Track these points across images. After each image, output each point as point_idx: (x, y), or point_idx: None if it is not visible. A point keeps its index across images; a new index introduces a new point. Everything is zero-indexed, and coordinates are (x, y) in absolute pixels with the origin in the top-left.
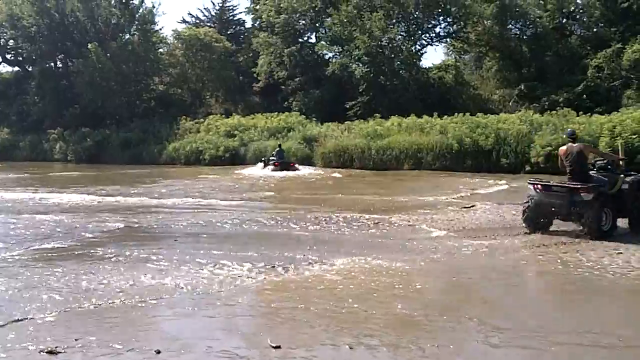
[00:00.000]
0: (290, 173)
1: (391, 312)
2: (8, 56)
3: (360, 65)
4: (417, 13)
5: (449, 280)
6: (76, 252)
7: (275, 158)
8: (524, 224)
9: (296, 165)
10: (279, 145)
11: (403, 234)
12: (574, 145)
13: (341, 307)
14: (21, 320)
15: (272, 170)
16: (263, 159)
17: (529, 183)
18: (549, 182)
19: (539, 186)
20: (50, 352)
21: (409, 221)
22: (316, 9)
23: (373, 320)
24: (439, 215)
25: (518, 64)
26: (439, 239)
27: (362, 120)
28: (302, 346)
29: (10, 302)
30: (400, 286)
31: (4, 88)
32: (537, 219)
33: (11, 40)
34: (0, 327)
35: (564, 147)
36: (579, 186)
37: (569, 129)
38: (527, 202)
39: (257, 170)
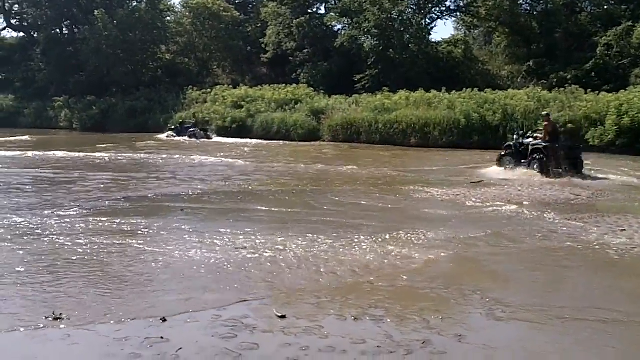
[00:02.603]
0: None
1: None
2: (13, 21)
3: (370, 38)
4: None
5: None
6: None
7: (193, 127)
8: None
9: (210, 134)
10: (193, 113)
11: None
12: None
13: None
14: None
15: (190, 137)
16: (173, 127)
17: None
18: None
19: None
20: None
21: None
22: None
23: None
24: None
25: (527, 40)
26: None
27: (370, 93)
28: None
29: None
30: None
31: (9, 54)
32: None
33: (16, 5)
34: None
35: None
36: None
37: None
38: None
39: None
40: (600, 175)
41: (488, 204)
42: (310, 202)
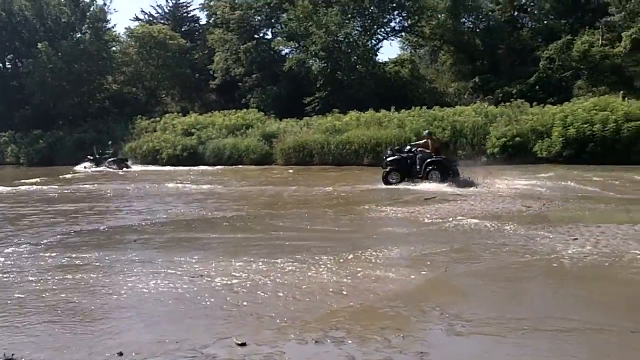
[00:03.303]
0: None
1: None
2: None
3: (317, 60)
4: (372, 8)
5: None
6: None
7: (108, 156)
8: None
9: (129, 163)
10: (109, 142)
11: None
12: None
13: None
14: None
15: (114, 169)
16: (89, 157)
17: None
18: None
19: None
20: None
21: (412, 212)
22: (271, 4)
23: None
24: (428, 207)
25: (472, 57)
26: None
27: (320, 115)
28: None
29: None
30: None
31: None
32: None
33: None
34: None
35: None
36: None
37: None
38: None
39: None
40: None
41: (449, 219)
42: (265, 227)
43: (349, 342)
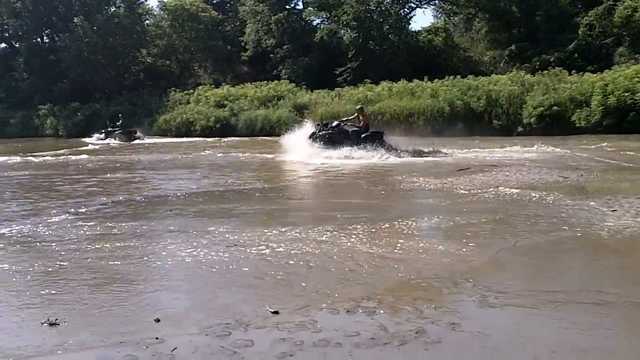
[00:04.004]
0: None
1: None
2: None
3: (349, 30)
4: None
5: None
6: None
7: (118, 128)
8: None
9: (138, 135)
10: (119, 115)
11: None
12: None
13: None
14: None
15: (121, 141)
16: (102, 130)
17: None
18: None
19: None
20: None
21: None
22: None
23: None
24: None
25: (508, 24)
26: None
27: (352, 86)
28: None
29: None
30: None
31: None
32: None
33: None
34: None
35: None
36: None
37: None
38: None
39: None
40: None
41: (485, 190)
42: (298, 197)
43: (381, 312)
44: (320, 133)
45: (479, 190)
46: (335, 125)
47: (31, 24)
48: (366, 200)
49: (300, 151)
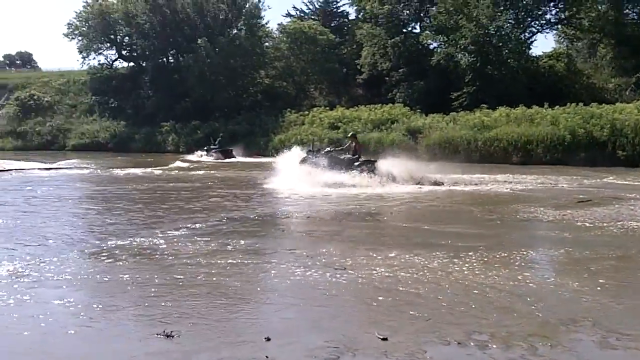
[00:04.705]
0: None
1: None
2: (124, 52)
3: (466, 54)
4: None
5: None
6: None
7: (216, 146)
8: None
9: (234, 153)
10: (221, 135)
11: None
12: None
13: None
14: None
15: (215, 159)
16: (205, 147)
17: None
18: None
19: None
20: None
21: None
22: None
23: None
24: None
25: (635, 50)
26: None
27: (468, 111)
28: None
29: None
30: None
31: (121, 83)
32: None
33: (126, 37)
34: None
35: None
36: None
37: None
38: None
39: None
40: None
41: (608, 223)
42: (408, 222)
43: (493, 346)
44: (313, 159)
45: (603, 224)
46: (326, 152)
47: (158, 45)
48: (479, 229)
49: (291, 176)
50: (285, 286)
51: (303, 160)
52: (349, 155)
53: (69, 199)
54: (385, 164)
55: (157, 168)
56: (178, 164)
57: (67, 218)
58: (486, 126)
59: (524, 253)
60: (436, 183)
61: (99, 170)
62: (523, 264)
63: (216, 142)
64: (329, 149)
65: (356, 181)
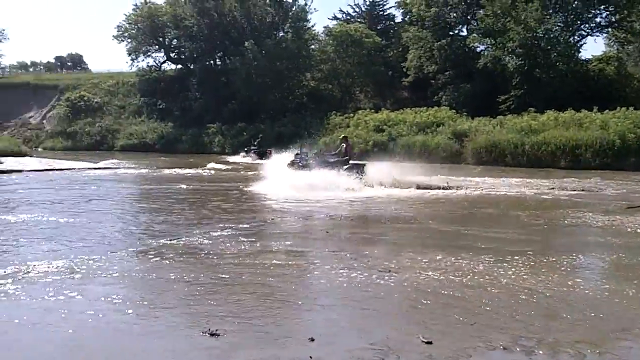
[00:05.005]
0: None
1: None
2: (172, 54)
3: (514, 57)
4: (575, 2)
5: None
6: None
7: (255, 147)
8: None
9: (271, 154)
10: (260, 136)
11: None
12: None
13: None
14: None
15: (252, 160)
16: (245, 148)
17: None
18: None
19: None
20: None
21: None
22: (468, 1)
23: None
24: None
25: None
26: None
27: (515, 114)
28: None
29: None
30: None
31: (169, 85)
32: None
33: (175, 40)
34: None
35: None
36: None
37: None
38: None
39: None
40: None
41: None
42: (452, 225)
43: (540, 352)
44: (301, 162)
45: None
46: (315, 154)
47: (205, 47)
48: (526, 234)
49: (280, 178)
50: (329, 287)
51: (291, 163)
52: (337, 157)
53: (115, 198)
54: (374, 168)
55: (192, 169)
56: (212, 165)
57: (114, 216)
58: (534, 130)
59: (573, 258)
60: (444, 187)
61: (144, 170)
62: (571, 269)
63: (255, 143)
64: (316, 151)
65: (343, 183)
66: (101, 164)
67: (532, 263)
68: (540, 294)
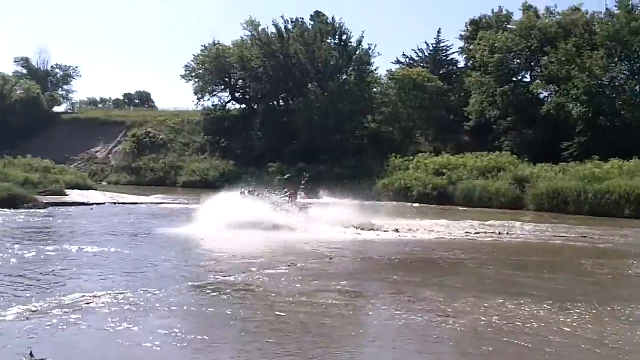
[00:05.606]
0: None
1: None
2: (237, 95)
3: (578, 104)
4: None
5: None
6: None
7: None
8: None
9: (299, 194)
10: (308, 176)
11: None
12: None
13: None
14: None
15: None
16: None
17: None
18: None
19: None
20: None
21: None
22: (532, 48)
23: None
24: None
25: None
26: None
27: (578, 162)
28: None
29: None
30: None
31: (232, 124)
32: None
33: (240, 80)
34: None
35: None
36: None
37: None
38: None
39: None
40: None
41: None
42: (513, 271)
43: None
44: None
45: None
46: (258, 194)
47: (270, 88)
48: (589, 282)
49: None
50: (386, 330)
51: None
52: (283, 197)
53: (175, 233)
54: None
55: None
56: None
57: (174, 251)
58: (597, 178)
59: (638, 309)
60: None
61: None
62: (636, 320)
63: (303, 183)
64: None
65: (284, 220)
66: (169, 199)
67: (594, 312)
68: (604, 345)
